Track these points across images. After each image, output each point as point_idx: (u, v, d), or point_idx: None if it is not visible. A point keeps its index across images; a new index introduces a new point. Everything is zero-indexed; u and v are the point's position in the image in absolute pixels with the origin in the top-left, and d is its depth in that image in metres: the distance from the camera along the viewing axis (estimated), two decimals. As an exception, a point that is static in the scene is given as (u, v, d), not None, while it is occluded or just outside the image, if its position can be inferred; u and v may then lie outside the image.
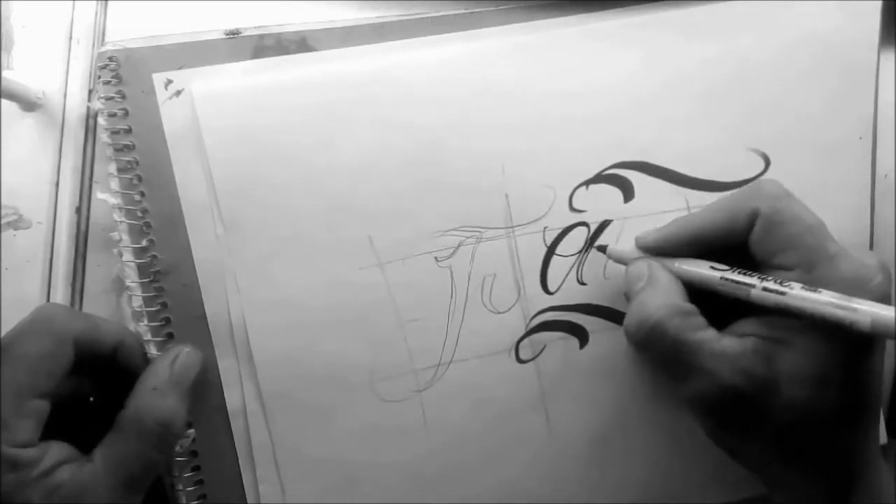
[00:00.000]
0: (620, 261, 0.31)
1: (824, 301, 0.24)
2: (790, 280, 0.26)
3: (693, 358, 0.27)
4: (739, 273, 0.27)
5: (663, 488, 0.34)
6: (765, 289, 0.26)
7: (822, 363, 0.25)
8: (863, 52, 0.34)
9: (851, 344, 0.25)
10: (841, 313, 0.24)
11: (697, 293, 0.29)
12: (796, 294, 0.25)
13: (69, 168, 0.35)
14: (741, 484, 0.34)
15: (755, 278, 0.27)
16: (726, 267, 0.28)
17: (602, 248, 0.32)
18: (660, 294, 0.28)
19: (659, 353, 0.28)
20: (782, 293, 0.25)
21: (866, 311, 0.24)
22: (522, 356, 0.33)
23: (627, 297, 0.30)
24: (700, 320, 0.27)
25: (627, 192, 0.33)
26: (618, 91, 0.34)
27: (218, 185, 0.32)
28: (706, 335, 0.27)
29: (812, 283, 0.25)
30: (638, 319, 0.28)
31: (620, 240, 0.33)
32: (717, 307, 0.28)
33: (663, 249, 0.30)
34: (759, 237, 0.27)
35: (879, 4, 0.34)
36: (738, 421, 0.27)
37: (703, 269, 0.28)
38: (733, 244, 0.28)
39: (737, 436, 0.28)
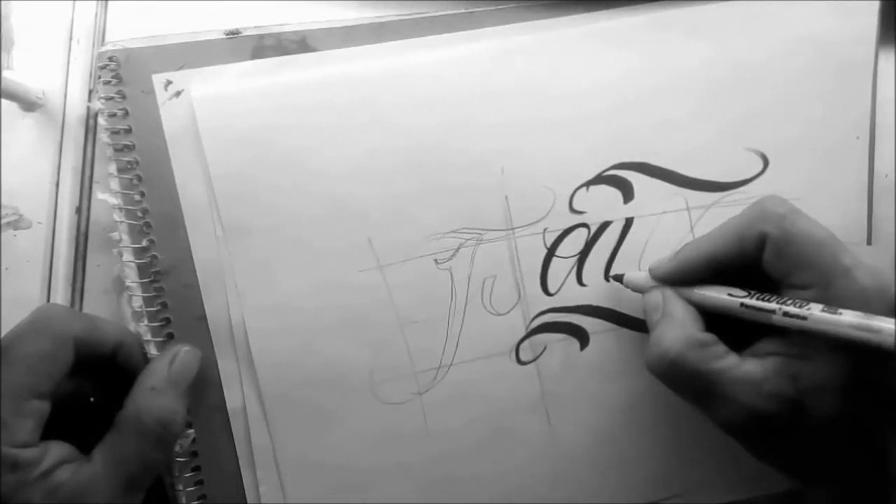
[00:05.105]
0: (637, 290, 0.31)
1: (846, 323, 0.24)
2: (809, 298, 0.26)
3: (716, 387, 0.26)
4: (758, 298, 0.27)
5: (665, 489, 0.34)
6: (785, 314, 0.26)
7: (846, 375, 0.25)
8: (860, 51, 0.34)
9: (876, 354, 0.25)
10: (864, 335, 0.24)
11: (717, 316, 0.28)
12: (817, 317, 0.25)
13: (69, 168, 0.35)
14: (742, 484, 0.34)
15: (774, 303, 0.26)
16: (744, 292, 0.28)
17: (618, 278, 0.32)
18: (675, 326, 0.28)
19: (682, 386, 0.28)
20: (803, 317, 0.25)
21: (889, 329, 0.23)
22: (523, 358, 0.33)
23: (648, 327, 0.30)
24: (719, 348, 0.27)
25: (627, 192, 0.33)
26: (617, 92, 0.33)
27: (217, 188, 0.32)
28: (727, 363, 0.27)
29: (831, 300, 0.25)
30: (656, 354, 0.28)
31: (625, 241, 0.33)
32: (739, 327, 0.28)
33: (678, 278, 0.29)
34: (771, 259, 0.27)
35: (877, 4, 0.34)
36: (770, 439, 0.27)
37: (721, 296, 0.28)
38: (747, 266, 0.28)
39: (771, 451, 0.28)
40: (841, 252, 0.26)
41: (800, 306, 0.25)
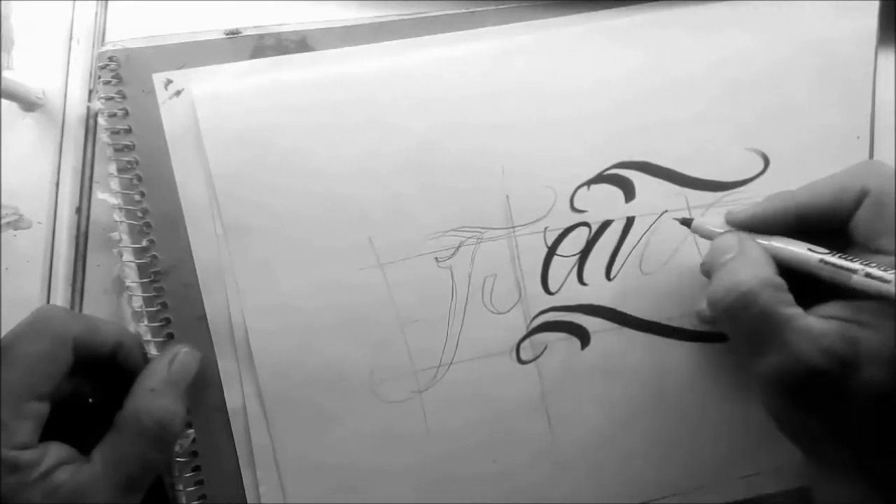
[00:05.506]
0: (706, 236, 0.30)
1: None
2: (888, 265, 0.25)
3: (779, 332, 0.26)
4: (840, 257, 0.26)
5: (664, 488, 0.34)
6: (867, 275, 0.25)
7: None
8: (860, 51, 0.34)
9: None
10: None
11: (781, 272, 0.27)
12: None
13: (69, 168, 0.35)
14: (742, 484, 0.34)
15: (858, 263, 0.25)
16: (825, 250, 0.27)
17: (687, 222, 0.31)
18: (752, 265, 0.27)
19: (743, 324, 0.27)
20: (887, 280, 0.24)
21: None
22: (523, 357, 0.33)
23: (709, 270, 0.29)
24: (789, 296, 0.26)
25: (628, 192, 0.33)
26: (618, 91, 0.34)
27: (217, 186, 0.32)
28: (794, 311, 0.26)
29: None
30: (727, 286, 0.27)
31: (625, 240, 0.33)
32: (798, 288, 0.27)
33: (755, 226, 0.29)
34: (866, 217, 0.26)
35: (877, 4, 0.34)
36: (811, 400, 0.26)
37: (800, 250, 0.27)
38: (832, 224, 0.27)
39: (805, 415, 0.27)
40: None
41: (884, 270, 0.25)
